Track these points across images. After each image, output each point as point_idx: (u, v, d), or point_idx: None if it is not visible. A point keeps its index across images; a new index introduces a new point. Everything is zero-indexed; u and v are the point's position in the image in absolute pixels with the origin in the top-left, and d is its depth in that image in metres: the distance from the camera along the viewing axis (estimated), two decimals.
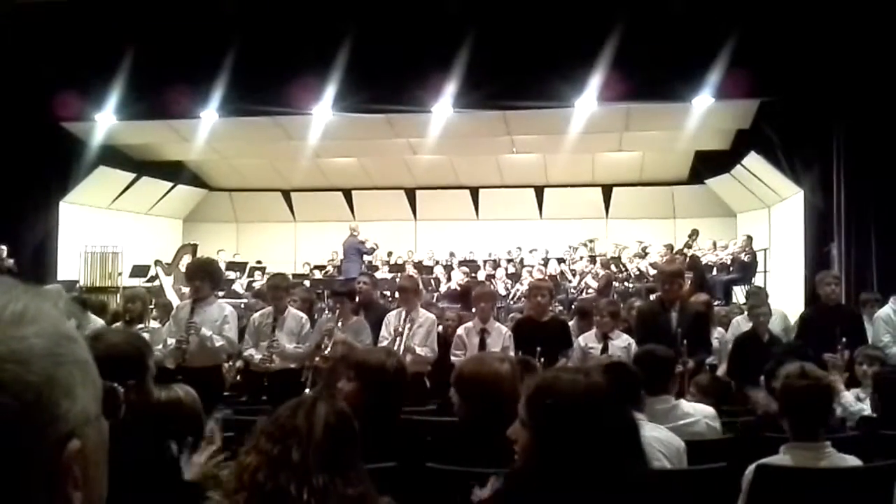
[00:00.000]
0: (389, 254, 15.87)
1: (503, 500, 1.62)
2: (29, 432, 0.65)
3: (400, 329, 6.01)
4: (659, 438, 3.01)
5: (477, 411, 2.80)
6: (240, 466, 1.54)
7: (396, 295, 8.54)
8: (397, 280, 9.04)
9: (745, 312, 7.05)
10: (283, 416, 1.60)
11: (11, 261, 11.32)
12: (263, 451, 1.53)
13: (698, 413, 3.69)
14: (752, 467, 2.84)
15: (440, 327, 6.69)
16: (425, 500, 2.69)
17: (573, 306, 9.53)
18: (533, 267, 14.33)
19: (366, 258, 14.63)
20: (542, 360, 5.29)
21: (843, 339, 5.67)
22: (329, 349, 5.90)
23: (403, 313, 6.12)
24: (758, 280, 13.37)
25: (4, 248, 11.44)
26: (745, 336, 6.35)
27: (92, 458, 0.71)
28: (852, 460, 2.90)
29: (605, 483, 1.47)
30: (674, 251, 13.79)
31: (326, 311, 7.84)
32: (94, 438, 0.71)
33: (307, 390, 5.63)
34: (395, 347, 5.83)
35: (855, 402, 4.42)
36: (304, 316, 6.44)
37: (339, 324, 6.14)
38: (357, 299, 6.75)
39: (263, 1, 10.62)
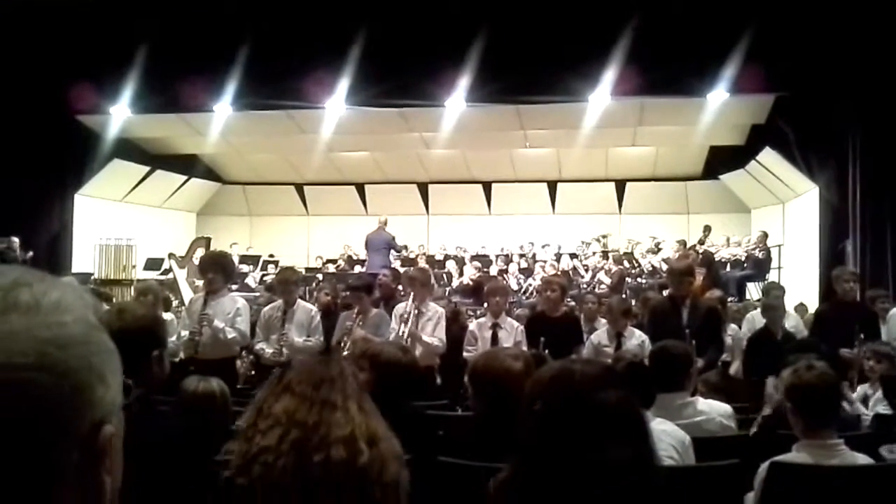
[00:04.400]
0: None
1: (509, 489, 1.62)
2: (69, 415, 0.67)
3: (406, 316, 5.98)
4: (667, 431, 3.01)
5: (489, 406, 2.80)
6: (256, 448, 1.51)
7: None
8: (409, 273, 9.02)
9: (760, 308, 6.99)
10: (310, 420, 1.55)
11: (30, 253, 11.32)
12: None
13: (714, 411, 3.66)
14: (765, 464, 2.82)
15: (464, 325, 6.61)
16: (437, 494, 2.70)
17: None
18: (545, 262, 14.28)
19: (393, 254, 14.56)
20: (547, 352, 5.24)
21: (861, 336, 5.64)
22: (348, 347, 5.88)
23: (411, 303, 6.10)
24: (772, 276, 13.30)
25: (16, 239, 11.41)
26: (758, 333, 6.31)
27: (115, 446, 0.72)
28: (863, 459, 2.88)
29: (612, 471, 1.47)
30: (687, 247, 13.72)
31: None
32: (117, 426, 0.73)
33: None
34: (399, 333, 5.83)
35: (859, 405, 4.33)
36: (314, 308, 6.43)
37: (359, 320, 6.11)
38: (376, 293, 6.73)
39: None
